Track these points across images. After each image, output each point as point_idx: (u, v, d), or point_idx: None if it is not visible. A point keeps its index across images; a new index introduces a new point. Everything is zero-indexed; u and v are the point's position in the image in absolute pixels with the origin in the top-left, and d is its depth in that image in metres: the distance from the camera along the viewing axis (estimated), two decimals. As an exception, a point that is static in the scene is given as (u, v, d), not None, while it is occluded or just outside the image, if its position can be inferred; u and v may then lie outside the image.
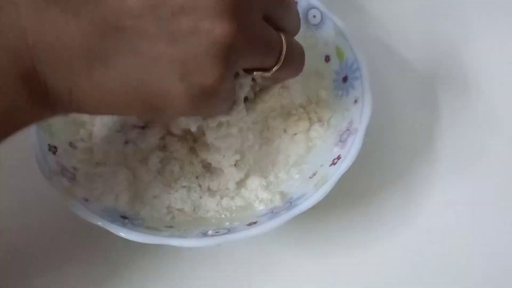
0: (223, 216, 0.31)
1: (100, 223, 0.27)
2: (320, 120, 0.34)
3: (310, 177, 0.31)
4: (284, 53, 0.24)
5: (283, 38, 0.24)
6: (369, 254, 0.32)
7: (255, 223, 0.28)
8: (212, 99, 0.22)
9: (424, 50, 0.40)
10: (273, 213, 0.29)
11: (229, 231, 0.28)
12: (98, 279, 0.32)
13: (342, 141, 0.31)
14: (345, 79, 0.34)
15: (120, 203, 0.30)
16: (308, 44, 0.36)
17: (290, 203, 0.29)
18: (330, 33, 0.35)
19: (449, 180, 0.35)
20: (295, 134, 0.34)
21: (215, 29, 0.20)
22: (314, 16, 0.36)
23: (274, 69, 0.25)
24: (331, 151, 0.32)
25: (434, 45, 0.40)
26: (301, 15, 0.36)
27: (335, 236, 0.33)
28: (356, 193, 0.34)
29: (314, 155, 0.33)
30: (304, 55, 0.27)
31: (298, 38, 0.36)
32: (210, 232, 0.28)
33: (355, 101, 0.32)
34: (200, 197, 0.31)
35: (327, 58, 0.35)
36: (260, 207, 0.31)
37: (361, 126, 0.30)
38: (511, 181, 0.34)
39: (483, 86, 0.38)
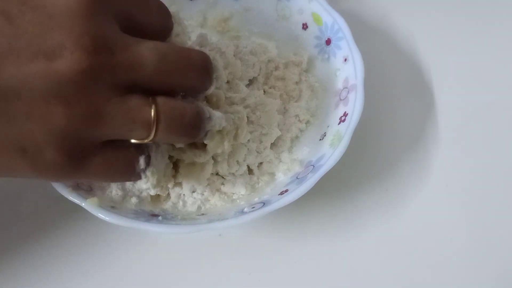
0: (246, 195, 0.31)
1: (137, 225, 0.26)
2: (311, 86, 0.35)
3: (321, 139, 0.32)
4: (155, 125, 0.22)
5: (152, 111, 0.22)
6: (361, 241, 0.32)
7: (286, 191, 0.29)
8: (65, 174, 0.22)
9: (423, 41, 0.39)
10: (298, 178, 0.30)
11: (264, 204, 0.28)
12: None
13: (342, 99, 0.32)
14: (328, 42, 0.35)
15: (144, 203, 0.29)
16: (282, 16, 0.37)
17: (313, 166, 0.30)
18: (303, 1, 0.36)
19: (443, 170, 0.34)
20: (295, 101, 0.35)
21: (50, 115, 0.19)
22: (284, -12, 0.36)
23: (146, 140, 0.23)
24: (333, 111, 0.33)
25: (433, 35, 0.40)
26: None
27: (327, 223, 0.32)
28: (347, 181, 0.33)
29: (316, 118, 0.34)
30: (197, 117, 0.25)
31: (270, 10, 0.37)
32: (246, 209, 0.28)
33: (345, 60, 0.33)
34: (223, 184, 0.31)
35: (304, 26, 0.36)
36: (281, 178, 0.31)
37: (359, 81, 0.31)
38: (508, 174, 0.34)
39: (482, 78, 0.38)
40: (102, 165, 0.23)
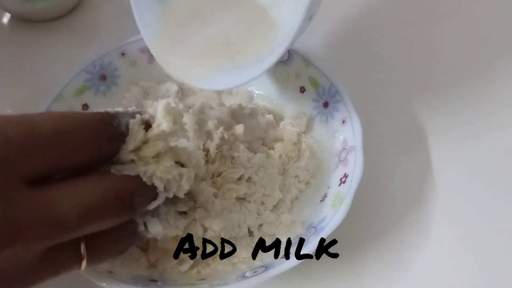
0: (247, 258, 0.30)
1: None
2: (310, 147, 0.36)
3: (322, 200, 0.32)
4: (85, 263, 0.22)
5: (82, 251, 0.22)
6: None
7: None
8: None
9: (419, 102, 0.41)
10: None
11: (267, 268, 0.27)
12: None
13: (342, 160, 0.33)
14: (325, 105, 0.36)
15: (141, 267, 0.29)
16: (280, 79, 0.38)
17: (315, 228, 0.30)
18: (300, 66, 0.37)
19: (444, 226, 0.34)
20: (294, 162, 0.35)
21: None
22: (281, 53, 0.38)
23: (81, 269, 0.22)
24: (333, 172, 0.33)
25: (429, 97, 0.41)
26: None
27: (330, 285, 0.31)
28: (348, 242, 0.32)
29: (316, 179, 0.34)
30: (124, 237, 0.24)
31: (268, 73, 0.38)
32: (248, 273, 0.27)
33: (343, 122, 0.34)
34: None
35: (301, 89, 0.37)
36: (284, 239, 0.31)
37: (357, 143, 0.32)
38: (508, 225, 0.34)
39: (477, 136, 0.39)
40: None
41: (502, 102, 0.41)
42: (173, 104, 0.24)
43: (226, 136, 0.33)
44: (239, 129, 0.33)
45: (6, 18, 0.50)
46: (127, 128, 0.22)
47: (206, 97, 0.39)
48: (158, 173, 0.23)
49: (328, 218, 0.29)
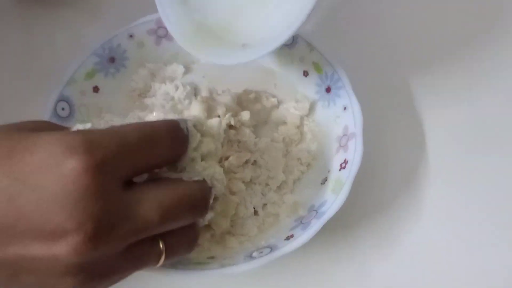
0: (253, 236, 0.33)
1: (151, 272, 0.28)
2: (312, 130, 0.38)
3: (322, 183, 0.34)
4: (163, 258, 0.24)
5: (160, 246, 0.24)
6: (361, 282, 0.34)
7: (292, 236, 0.31)
8: None
9: (418, 93, 0.42)
10: (303, 223, 0.32)
11: (272, 249, 0.30)
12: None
13: (342, 145, 0.35)
14: (328, 90, 0.37)
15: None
16: (284, 62, 0.39)
17: (316, 212, 0.32)
18: (304, 50, 0.38)
19: (436, 208, 0.36)
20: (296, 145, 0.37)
21: (60, 285, 0.21)
22: (286, 37, 0.39)
23: (158, 265, 0.25)
24: (334, 156, 0.35)
25: (428, 88, 0.42)
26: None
27: (331, 266, 0.34)
28: (346, 224, 0.35)
29: (317, 162, 0.36)
30: (195, 234, 0.27)
31: (272, 57, 0.39)
32: (255, 254, 0.30)
33: (345, 108, 0.36)
34: (231, 225, 0.33)
35: (305, 73, 0.39)
36: (285, 220, 0.33)
37: (357, 130, 0.34)
38: (500, 206, 0.36)
39: (472, 127, 0.40)
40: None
41: (498, 81, 0.42)
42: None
43: (233, 122, 0.34)
44: (245, 115, 0.35)
45: (10, -5, 0.50)
46: (187, 131, 0.26)
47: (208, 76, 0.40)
48: (216, 175, 0.27)
49: (329, 203, 0.32)
